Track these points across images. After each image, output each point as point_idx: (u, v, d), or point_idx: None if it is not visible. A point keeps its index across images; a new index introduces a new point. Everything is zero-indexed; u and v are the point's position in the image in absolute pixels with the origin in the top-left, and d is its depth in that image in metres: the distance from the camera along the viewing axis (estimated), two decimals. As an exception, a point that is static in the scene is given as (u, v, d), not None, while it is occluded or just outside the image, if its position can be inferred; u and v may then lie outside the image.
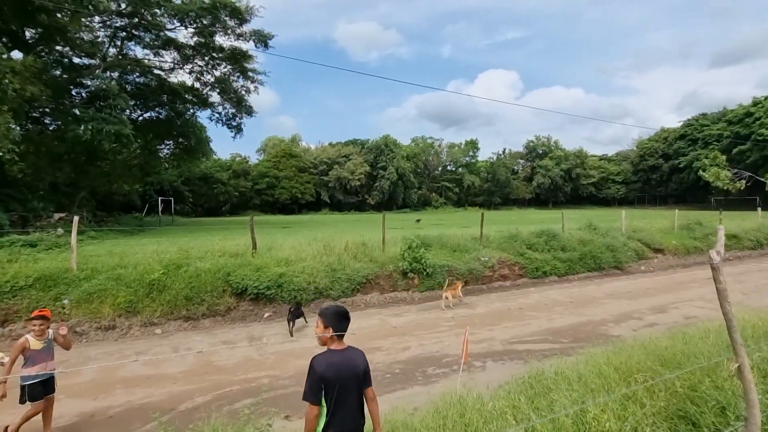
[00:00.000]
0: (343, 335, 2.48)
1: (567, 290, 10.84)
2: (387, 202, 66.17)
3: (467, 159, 79.90)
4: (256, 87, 27.97)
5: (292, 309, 7.49)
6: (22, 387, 3.81)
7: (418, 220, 35.00)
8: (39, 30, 19.10)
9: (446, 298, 9.02)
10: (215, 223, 36.23)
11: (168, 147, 34.97)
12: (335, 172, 64.55)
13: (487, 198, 76.87)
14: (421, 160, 75.14)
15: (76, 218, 8.89)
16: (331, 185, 64.58)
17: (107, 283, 8.06)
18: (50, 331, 4.03)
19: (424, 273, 10.46)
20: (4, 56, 15.06)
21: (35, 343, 3.85)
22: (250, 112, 28.11)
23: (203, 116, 56.88)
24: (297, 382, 5.06)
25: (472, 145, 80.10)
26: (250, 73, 27.34)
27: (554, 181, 76.09)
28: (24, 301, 7.49)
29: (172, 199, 40.12)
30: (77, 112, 22.73)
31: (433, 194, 75.71)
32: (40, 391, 3.87)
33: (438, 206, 71.66)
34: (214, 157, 48.39)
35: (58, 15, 17.92)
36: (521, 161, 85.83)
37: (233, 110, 28.95)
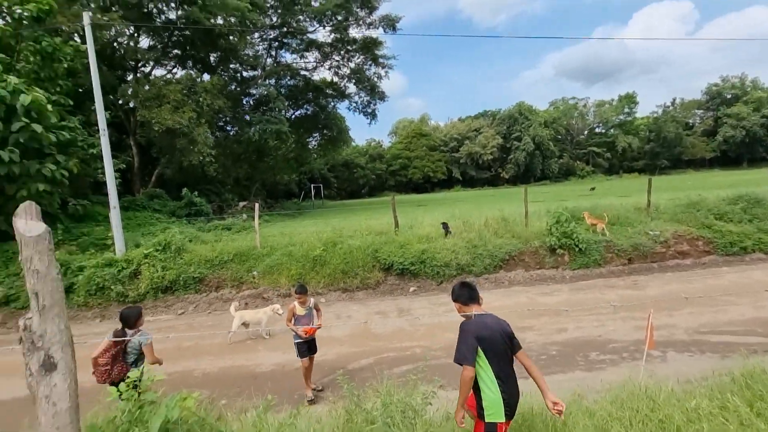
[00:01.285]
0: (479, 301, 2.61)
1: (781, 271, 8.43)
2: (523, 174, 61.75)
3: (621, 118, 68.22)
4: (386, 72, 29.09)
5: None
6: (295, 344, 4.69)
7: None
8: (219, 53, 23.40)
9: (593, 225, 9.98)
10: (357, 204, 39.60)
11: (315, 139, 39.42)
12: (466, 147, 63.04)
13: (650, 161, 64.52)
14: (561, 126, 67.30)
15: (257, 205, 10.77)
16: (462, 161, 63.46)
17: (282, 259, 9.61)
18: (312, 300, 4.78)
19: (576, 249, 9.46)
20: (199, 79, 19.00)
21: (299, 309, 4.65)
22: (382, 97, 29.47)
23: (342, 107, 62.49)
24: (447, 354, 5.21)
25: (629, 100, 67.93)
26: (381, 60, 28.48)
27: (750, 132, 59.09)
28: (228, 272, 9.50)
29: (321, 185, 45.25)
30: (248, 117, 27.42)
31: (578, 162, 67.32)
32: (305, 350, 4.66)
33: (584, 175, 63.53)
34: (353, 144, 52.47)
35: (231, 38, 21.62)
36: (698, 112, 69.10)
37: (368, 98, 30.75)
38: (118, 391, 2.60)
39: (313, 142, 40.72)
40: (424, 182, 61.26)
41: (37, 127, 9.42)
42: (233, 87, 27.09)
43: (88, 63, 13.39)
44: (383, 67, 28.99)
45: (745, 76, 64.35)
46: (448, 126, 70.10)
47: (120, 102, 18.50)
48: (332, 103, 33.82)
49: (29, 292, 1.10)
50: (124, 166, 14.94)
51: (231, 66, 26.90)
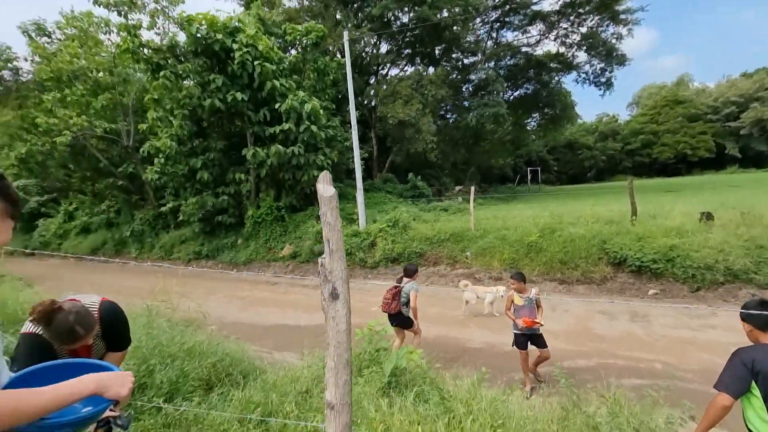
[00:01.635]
0: None
1: None
2: None
3: None
4: (630, 30, 24.14)
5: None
6: (513, 334, 4.54)
7: None
8: (443, 46, 24.86)
9: None
10: (580, 189, 35.13)
11: (534, 119, 37.03)
12: (752, 112, 45.78)
13: None
14: None
15: (472, 189, 11.13)
16: (743, 133, 46.60)
17: (495, 242, 9.64)
18: (534, 291, 4.62)
19: None
20: (425, 73, 20.80)
21: (518, 299, 4.52)
22: (622, 61, 24.70)
23: (568, 81, 55.98)
24: (705, 380, 4.11)
25: None
26: (623, 16, 23.80)
27: None
28: (444, 250, 10.27)
29: (538, 168, 42.41)
30: (466, 103, 28.23)
31: None
32: (523, 341, 4.44)
33: None
34: (579, 121, 46.50)
35: (455, 28, 22.58)
36: None
37: (601, 65, 26.45)
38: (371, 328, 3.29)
39: (532, 123, 38.40)
40: (675, 162, 48.43)
41: (314, 128, 12.49)
42: (454, 75, 28.28)
43: (346, 73, 16.73)
44: (625, 25, 24.15)
45: None
46: (721, 86, 52.57)
47: (365, 102, 22.34)
48: (556, 78, 30.82)
49: (324, 239, 1.54)
50: (367, 155, 18.09)
51: (453, 56, 28.10)
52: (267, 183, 13.82)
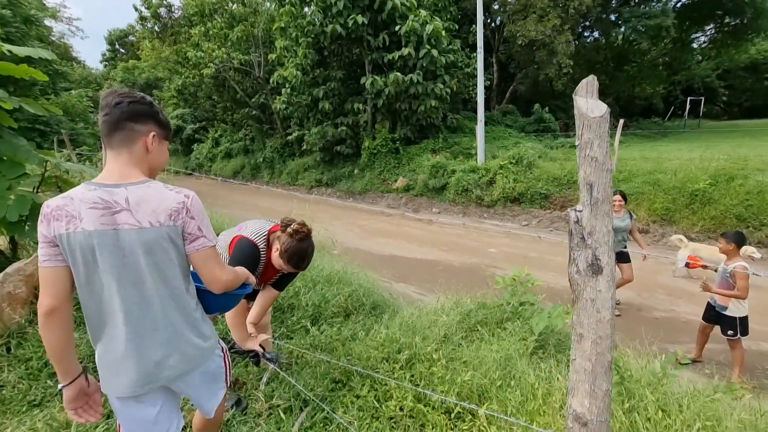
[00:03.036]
0: None
1: None
2: None
3: None
4: None
5: None
6: (737, 319, 3.51)
7: None
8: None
9: None
10: (759, 126, 27.48)
11: (705, 34, 29.00)
12: None
13: None
14: None
15: (621, 122, 9.33)
16: None
17: (644, 187, 8.14)
18: (748, 253, 3.79)
19: None
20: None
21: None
22: None
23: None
24: None
25: None
26: None
27: None
28: (574, 193, 9.09)
29: (702, 98, 34.14)
30: (612, 17, 23.17)
31: None
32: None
33: None
34: (776, 33, 35.10)
35: None
36: None
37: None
38: (503, 279, 2.99)
39: (702, 39, 30.26)
40: None
41: (434, 53, 11.57)
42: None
43: (471, -14, 14.76)
44: None
45: None
46: None
47: (488, 21, 19.88)
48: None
49: (581, 182, 1.15)
50: (488, 83, 16.47)
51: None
52: (383, 114, 13.64)
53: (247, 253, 1.99)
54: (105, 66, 39.49)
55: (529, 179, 9.81)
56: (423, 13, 11.40)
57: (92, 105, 17.10)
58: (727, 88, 42.01)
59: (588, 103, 1.12)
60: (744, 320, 3.38)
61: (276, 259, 2.00)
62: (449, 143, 13.67)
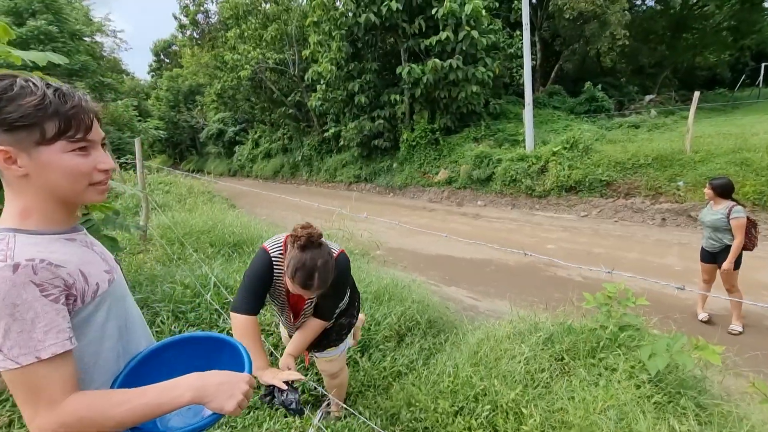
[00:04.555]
0: None
1: None
2: None
3: None
4: None
5: None
6: None
7: None
8: None
9: None
10: None
11: (783, -11, 25.67)
12: None
13: None
14: None
15: (696, 95, 8.18)
16: None
17: (728, 168, 7.07)
18: None
19: None
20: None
21: None
22: None
23: None
24: None
25: None
26: None
27: None
28: (642, 179, 8.12)
29: (777, 63, 30.30)
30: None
31: None
32: None
33: None
34: None
35: None
36: None
37: None
38: (593, 298, 2.43)
39: (778, -4, 26.82)
40: None
41: (475, 34, 10.81)
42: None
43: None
44: None
45: None
46: None
47: (529, -3, 18.60)
48: None
49: None
50: (533, 63, 15.35)
51: None
52: (421, 104, 13.05)
53: (255, 265, 1.64)
54: (152, 76, 41.51)
55: (587, 165, 8.89)
56: (463, -10, 10.65)
57: (138, 114, 17.80)
58: (809, 50, 37.10)
59: None
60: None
61: (287, 280, 1.58)
62: (492, 131, 12.84)
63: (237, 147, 27.14)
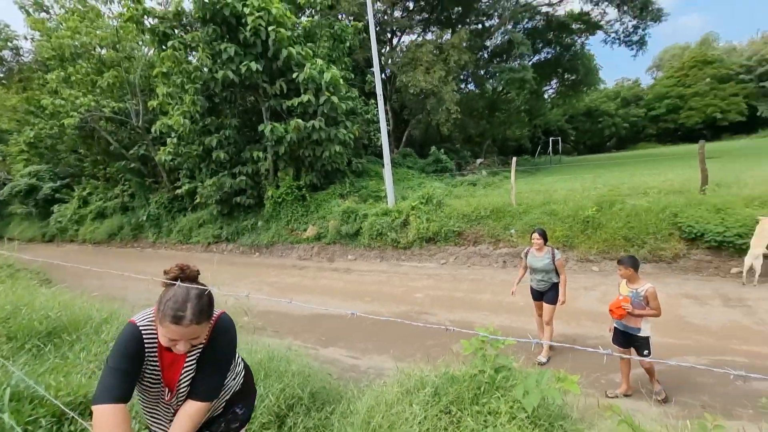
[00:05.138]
0: None
1: None
2: None
3: None
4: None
5: None
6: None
7: None
8: (459, 9, 23.27)
9: None
10: (603, 159, 33.64)
11: (552, 87, 35.29)
12: (788, 71, 42.98)
13: None
14: None
15: (514, 159, 10.17)
16: (777, 93, 43.93)
17: (543, 217, 8.79)
18: (647, 285, 3.61)
19: None
20: (443, 38, 19.41)
21: (623, 288, 3.74)
22: (658, 16, 22.69)
23: (594, 42, 52.69)
24: None
25: None
26: (658, -34, 21.75)
27: None
28: (485, 228, 9.46)
29: (559, 138, 40.71)
30: (482, 72, 26.70)
31: None
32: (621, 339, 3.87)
33: None
34: (601, 86, 44.25)
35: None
36: None
37: (633, 22, 24.51)
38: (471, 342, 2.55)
39: (550, 91, 36.70)
40: (702, 128, 46.16)
41: (335, 99, 11.53)
42: (473, 41, 26.71)
43: (362, 39, 15.50)
44: (660, -23, 22.09)
45: None
46: (754, 44, 49.34)
47: (380, 72, 21.16)
48: (579, 40, 28.96)
49: None
50: (389, 128, 17.10)
51: (469, 18, 26.41)
52: (285, 161, 13.00)
53: (119, 343, 1.43)
54: None
55: (441, 218, 9.99)
56: (320, 61, 11.40)
57: None
58: (574, 130, 51.05)
59: None
60: (649, 339, 3.63)
61: (158, 330, 1.41)
62: (357, 187, 13.51)
63: (56, 206, 22.18)
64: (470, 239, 9.55)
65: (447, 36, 23.63)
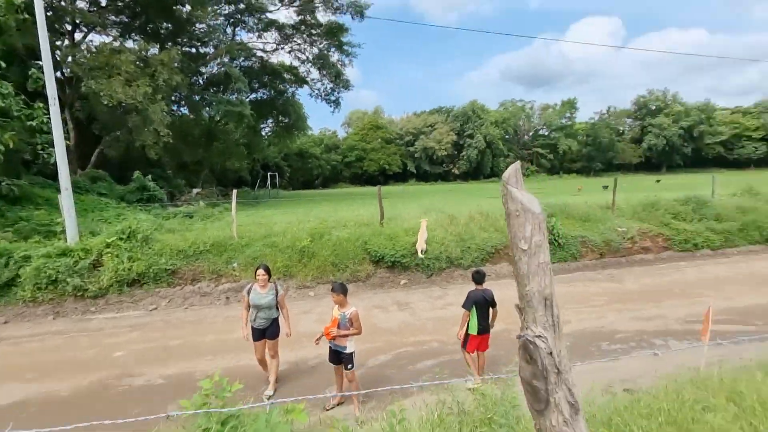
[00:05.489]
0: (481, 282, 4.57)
1: (730, 266, 9.50)
2: (474, 171, 64.02)
3: (563, 121, 72.87)
4: (350, 60, 28.43)
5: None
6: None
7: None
8: (170, 25, 21.38)
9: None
10: (313, 195, 38.58)
11: (269, 125, 37.79)
12: (421, 142, 63.92)
13: (586, 164, 70.01)
14: (510, 126, 70.54)
15: (234, 192, 10.03)
16: (417, 155, 64.32)
17: (265, 250, 9.03)
18: (352, 309, 4.20)
19: (556, 243, 9.93)
20: (149, 51, 17.21)
21: (336, 312, 4.20)
22: (347, 85, 28.75)
23: (303, 93, 60.06)
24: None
25: (570, 105, 72.75)
26: (345, 47, 27.75)
27: (670, 141, 66.22)
28: (205, 264, 8.74)
29: (276, 173, 43.49)
30: (197, 97, 25.45)
31: (523, 162, 71.05)
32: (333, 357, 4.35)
33: (528, 174, 67.23)
34: (309, 132, 50.95)
35: (185, 8, 19.82)
36: (628, 120, 75.86)
37: (331, 85, 29.90)
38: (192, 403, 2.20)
39: (267, 129, 39.08)
40: (378, 174, 61.31)
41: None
42: (186, 64, 25.03)
43: (24, 20, 11.57)
44: (347, 55, 28.29)
45: (667, 90, 71.70)
46: (403, 120, 70.50)
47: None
48: (291, 89, 32.56)
49: (534, 297, 0.85)
50: (69, 142, 13.17)
51: (182, 40, 24.77)
52: None
53: None
54: None
55: (149, 255, 8.47)
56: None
57: None
58: (289, 167, 56.11)
59: (523, 196, 0.91)
60: (353, 354, 4.23)
61: None
62: (10, 219, 9.64)
63: None
64: (187, 277, 8.56)
65: (155, 50, 21.13)
